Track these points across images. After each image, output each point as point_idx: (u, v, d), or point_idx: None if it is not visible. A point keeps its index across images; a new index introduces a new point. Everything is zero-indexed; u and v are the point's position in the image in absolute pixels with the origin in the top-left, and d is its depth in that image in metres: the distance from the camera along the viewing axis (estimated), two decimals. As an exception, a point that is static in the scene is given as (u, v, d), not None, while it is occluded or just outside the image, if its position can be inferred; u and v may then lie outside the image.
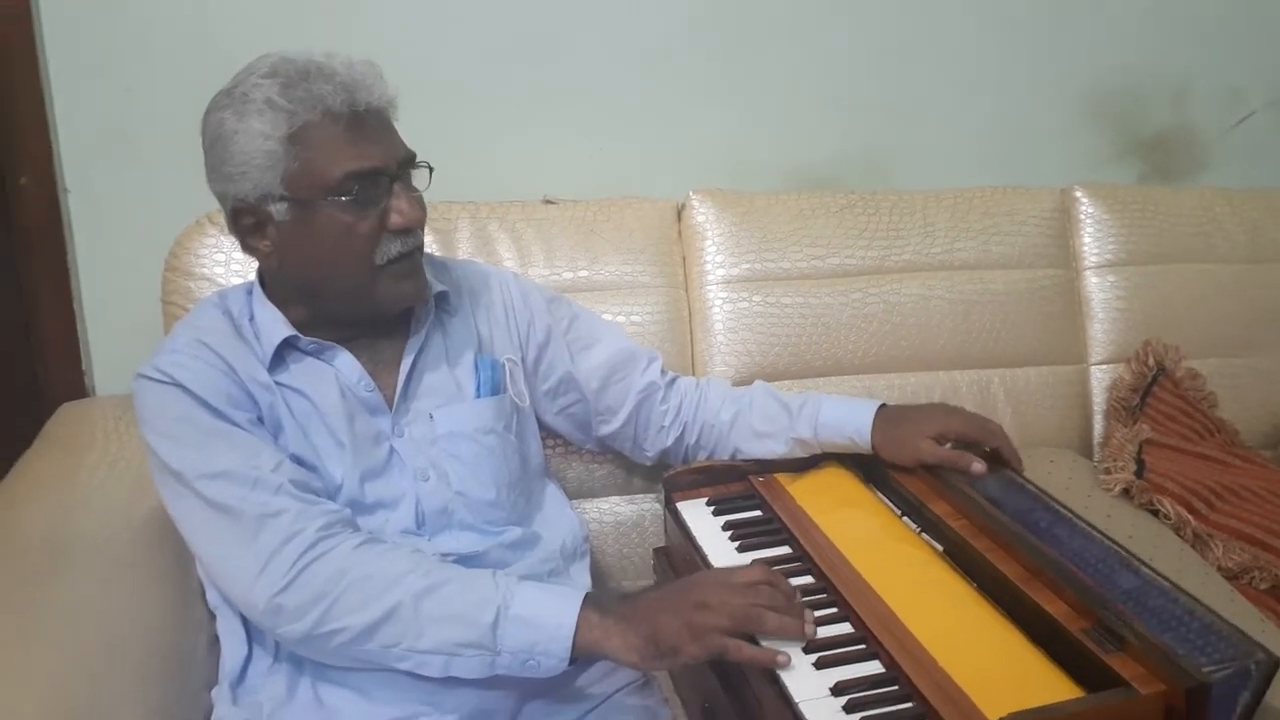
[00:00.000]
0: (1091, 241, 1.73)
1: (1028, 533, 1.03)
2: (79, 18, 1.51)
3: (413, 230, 1.09)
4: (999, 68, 1.84)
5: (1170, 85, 1.92)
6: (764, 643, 0.95)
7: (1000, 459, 1.20)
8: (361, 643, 0.98)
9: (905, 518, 1.16)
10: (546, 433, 1.35)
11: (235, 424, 1.05)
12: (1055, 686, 0.86)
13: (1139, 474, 1.48)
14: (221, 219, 1.13)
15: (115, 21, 1.52)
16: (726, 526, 1.21)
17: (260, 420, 1.08)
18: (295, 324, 1.11)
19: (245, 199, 1.05)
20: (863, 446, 1.23)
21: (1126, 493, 1.46)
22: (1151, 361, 1.66)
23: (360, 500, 1.10)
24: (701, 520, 1.23)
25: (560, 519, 1.26)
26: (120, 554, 1.20)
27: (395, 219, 1.06)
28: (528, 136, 1.68)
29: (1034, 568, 0.98)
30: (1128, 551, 0.98)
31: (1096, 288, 1.72)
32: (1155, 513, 1.44)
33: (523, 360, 1.27)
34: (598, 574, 1.39)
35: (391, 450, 1.13)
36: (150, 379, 1.07)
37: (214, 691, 1.12)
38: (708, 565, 1.14)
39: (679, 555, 1.26)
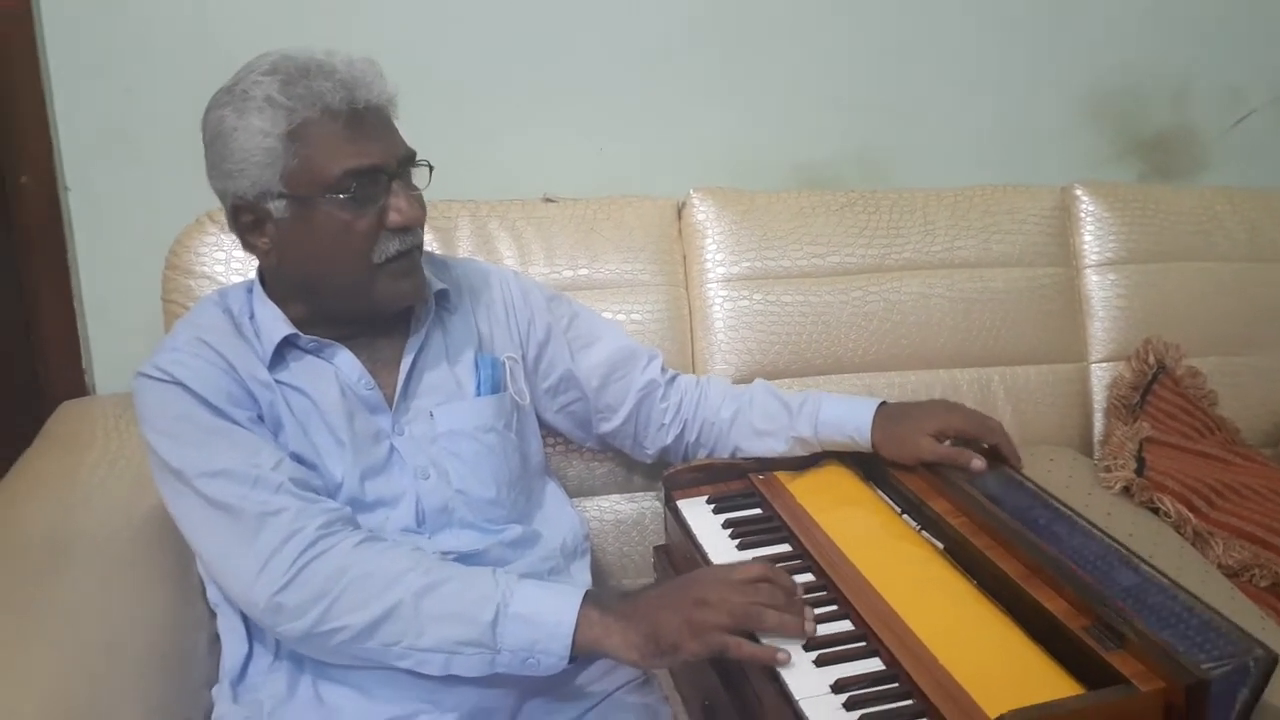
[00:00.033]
0: (1092, 240, 1.73)
1: (1027, 530, 1.03)
2: (79, 17, 1.51)
3: (411, 229, 1.09)
4: (999, 68, 1.84)
5: (1170, 85, 1.92)
6: (764, 640, 0.95)
7: (999, 456, 1.20)
8: (362, 641, 0.98)
9: (905, 515, 1.16)
10: (547, 431, 1.35)
11: (235, 422, 1.05)
12: (1055, 684, 0.86)
13: (1139, 472, 1.48)
14: (222, 217, 1.13)
15: (115, 21, 1.52)
16: (727, 524, 1.21)
17: (260, 418, 1.08)
18: (295, 322, 1.11)
19: (244, 196, 1.05)
20: (863, 445, 1.23)
21: (1127, 491, 1.46)
22: (1152, 359, 1.66)
23: (360, 498, 1.10)
24: (702, 518, 1.23)
25: (560, 517, 1.26)
26: (120, 552, 1.20)
27: (394, 217, 1.06)
28: (528, 136, 1.68)
29: (1034, 565, 0.98)
30: (1126, 549, 0.98)
31: (1097, 286, 1.72)
32: (1155, 511, 1.44)
33: (523, 358, 1.27)
34: (598, 572, 1.39)
35: (392, 448, 1.13)
36: (150, 377, 1.07)
37: (215, 689, 1.12)
38: (708, 563, 1.14)
39: (679, 553, 1.26)
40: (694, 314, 1.58)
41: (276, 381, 1.10)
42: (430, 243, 1.48)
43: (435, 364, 1.18)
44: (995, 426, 1.21)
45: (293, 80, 1.02)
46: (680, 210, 1.62)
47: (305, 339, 1.11)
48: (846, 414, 1.24)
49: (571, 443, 1.44)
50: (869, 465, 1.26)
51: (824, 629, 0.98)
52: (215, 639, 1.15)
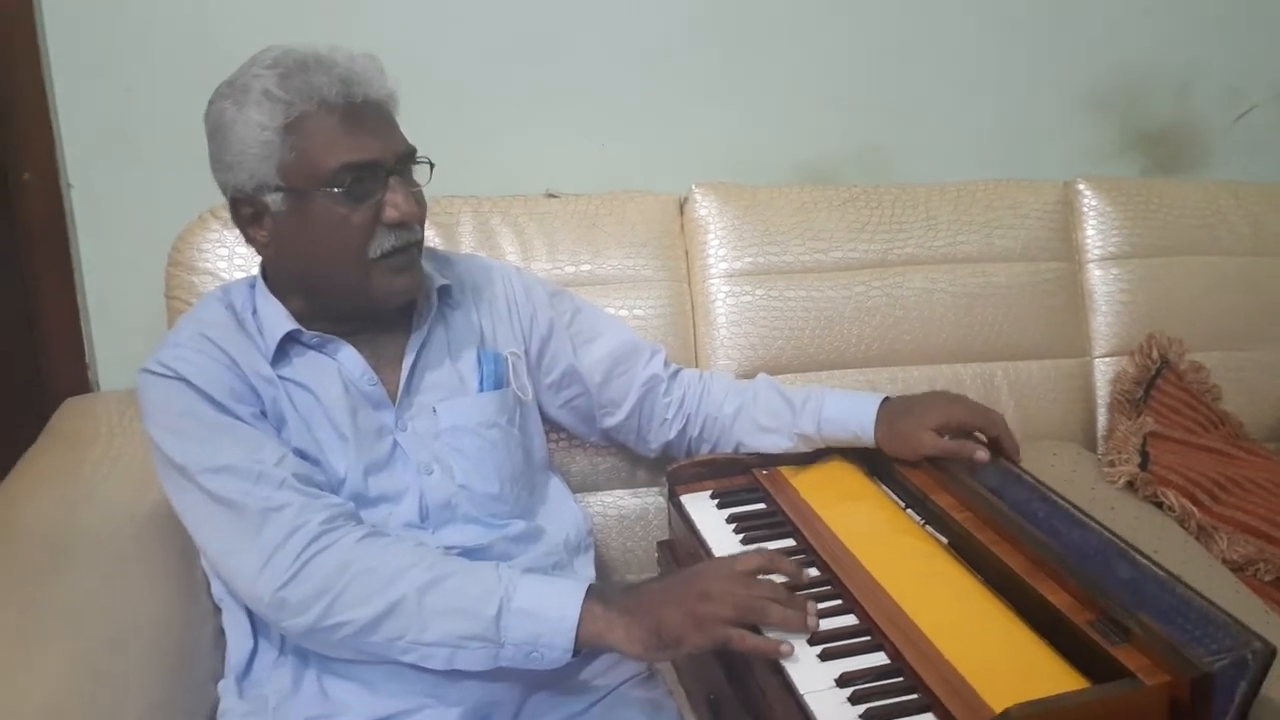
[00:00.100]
0: (1095, 234, 1.73)
1: (1028, 524, 1.03)
2: (79, 17, 1.51)
3: (409, 225, 1.08)
4: (1001, 65, 1.83)
5: (1173, 79, 1.91)
6: (767, 634, 0.95)
7: (999, 449, 1.20)
8: (366, 636, 0.98)
9: (909, 510, 1.16)
10: (550, 426, 1.36)
11: (238, 418, 1.05)
12: (1060, 678, 0.86)
13: (1143, 467, 1.48)
14: (225, 214, 1.13)
15: (115, 21, 1.52)
16: (730, 519, 1.21)
17: (263, 414, 1.08)
18: (296, 316, 1.11)
19: (243, 189, 1.05)
20: (866, 442, 1.23)
21: (1131, 485, 1.46)
22: (1155, 354, 1.66)
23: (364, 494, 1.10)
24: (705, 513, 1.23)
25: (564, 512, 1.26)
26: (124, 548, 1.21)
27: (390, 213, 1.06)
28: (528, 136, 1.68)
29: (1038, 559, 0.98)
30: (1125, 542, 0.98)
31: (1100, 281, 1.72)
32: (1159, 505, 1.43)
33: (526, 354, 1.27)
34: (601, 567, 1.39)
35: (395, 444, 1.13)
36: (154, 373, 1.07)
37: (220, 685, 1.12)
38: (711, 558, 1.14)
39: (683, 548, 1.26)
40: (696, 309, 1.58)
41: (279, 377, 1.10)
42: (432, 238, 1.48)
43: (438, 360, 1.18)
44: (997, 418, 1.21)
45: (291, 74, 1.02)
46: (683, 205, 1.62)
47: (308, 335, 1.11)
48: (850, 411, 1.24)
49: (575, 438, 1.44)
50: (873, 460, 1.25)
51: (828, 623, 0.98)
52: (220, 634, 1.15)
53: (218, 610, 1.15)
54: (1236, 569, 1.35)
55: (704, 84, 1.73)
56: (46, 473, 1.34)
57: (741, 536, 1.18)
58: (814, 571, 1.08)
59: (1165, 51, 1.89)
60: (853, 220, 1.63)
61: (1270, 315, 1.76)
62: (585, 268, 1.53)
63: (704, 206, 1.60)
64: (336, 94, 1.03)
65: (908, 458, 1.20)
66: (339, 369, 1.12)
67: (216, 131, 1.05)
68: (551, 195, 1.60)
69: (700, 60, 1.72)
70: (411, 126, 1.11)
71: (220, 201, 1.10)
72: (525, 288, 1.30)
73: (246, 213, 1.08)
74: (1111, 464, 1.50)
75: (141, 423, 1.08)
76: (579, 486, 1.46)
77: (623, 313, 1.51)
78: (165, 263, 1.44)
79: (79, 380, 1.63)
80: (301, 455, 1.07)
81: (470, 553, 1.10)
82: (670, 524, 1.32)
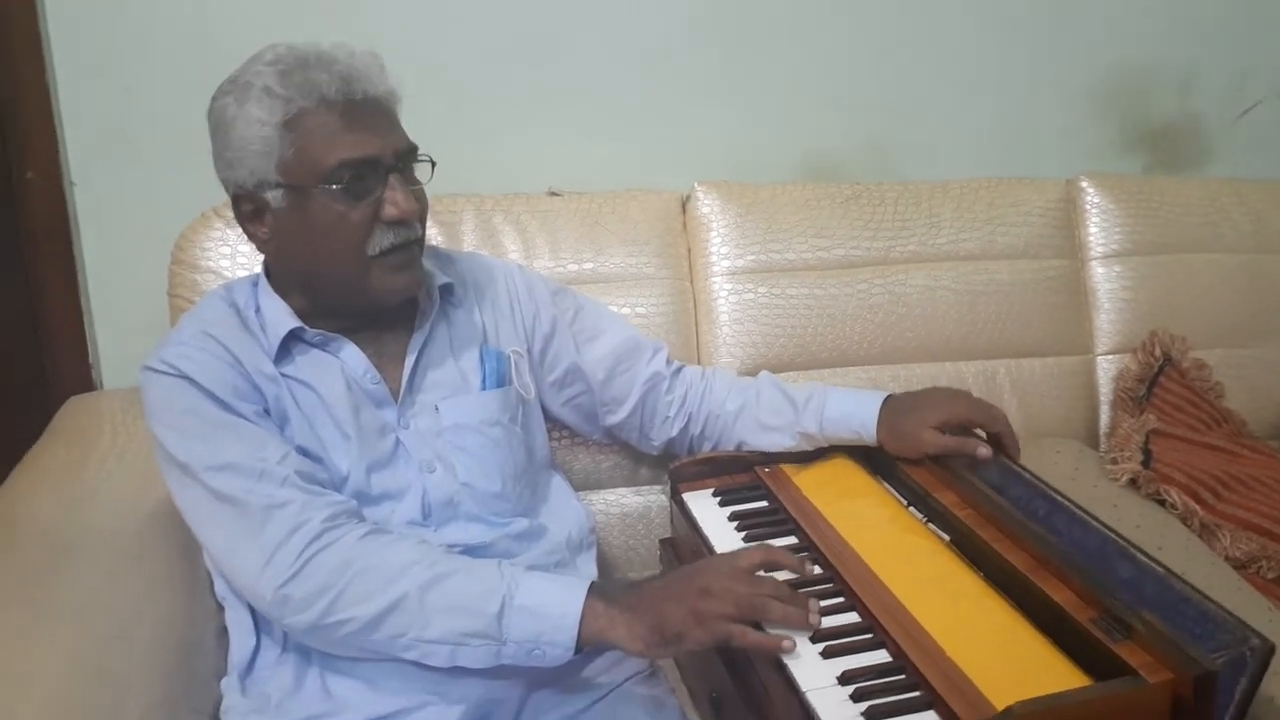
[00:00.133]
0: (1097, 232, 1.73)
1: (1030, 522, 1.03)
2: (81, 18, 1.51)
3: (408, 222, 1.08)
4: (1002, 64, 1.83)
5: (1176, 76, 1.91)
6: (769, 630, 0.95)
7: (999, 445, 1.20)
8: (368, 633, 0.99)
9: (911, 508, 1.16)
10: (553, 423, 1.36)
11: (241, 416, 1.05)
12: (1063, 675, 0.86)
13: (1146, 464, 1.48)
14: (227, 212, 1.13)
15: (117, 21, 1.52)
16: (733, 517, 1.21)
17: (266, 412, 1.08)
18: (298, 313, 1.11)
19: (244, 185, 1.06)
20: (869, 441, 1.23)
21: (1133, 483, 1.46)
22: (1158, 352, 1.66)
23: (366, 492, 1.10)
24: (707, 511, 1.23)
25: (566, 510, 1.26)
26: (128, 546, 1.21)
27: (389, 210, 1.06)
28: (529, 136, 1.68)
29: (1040, 557, 0.98)
30: (1124, 539, 0.97)
31: (1102, 278, 1.72)
32: (1162, 503, 1.43)
33: (528, 352, 1.27)
34: (604, 565, 1.39)
35: (397, 442, 1.13)
36: (156, 371, 1.07)
37: (223, 682, 1.12)
38: (713, 555, 1.14)
39: (685, 546, 1.26)
40: (699, 307, 1.58)
41: (282, 375, 1.10)
42: (435, 237, 1.48)
43: (440, 358, 1.18)
44: (999, 415, 1.21)
45: (291, 71, 1.03)
46: (685, 203, 1.62)
47: (311, 333, 1.11)
48: (852, 410, 1.24)
49: (577, 435, 1.44)
50: (875, 457, 1.25)
51: (830, 621, 0.98)
52: (223, 632, 1.15)
53: (220, 608, 1.15)
54: (1239, 566, 1.35)
55: (704, 84, 1.73)
56: (50, 471, 1.34)
57: (744, 534, 1.18)
58: (816, 569, 1.08)
59: (1166, 49, 1.89)
60: (855, 218, 1.63)
61: (1273, 312, 1.75)
62: (588, 266, 1.53)
63: (706, 204, 1.60)
64: (336, 91, 1.03)
65: (910, 456, 1.20)
66: (342, 367, 1.12)
67: (218, 128, 1.05)
68: (554, 193, 1.60)
69: (701, 60, 1.71)
70: (413, 126, 1.11)
71: (223, 200, 1.11)
72: (528, 286, 1.30)
73: (247, 209, 1.08)
74: (1114, 461, 1.50)
75: (144, 421, 1.08)
76: (581, 484, 1.46)
77: (625, 311, 1.51)
78: (168, 261, 1.44)
79: (82, 378, 1.63)
80: (304, 453, 1.08)
81: (472, 550, 1.10)
82: (672, 522, 1.32)
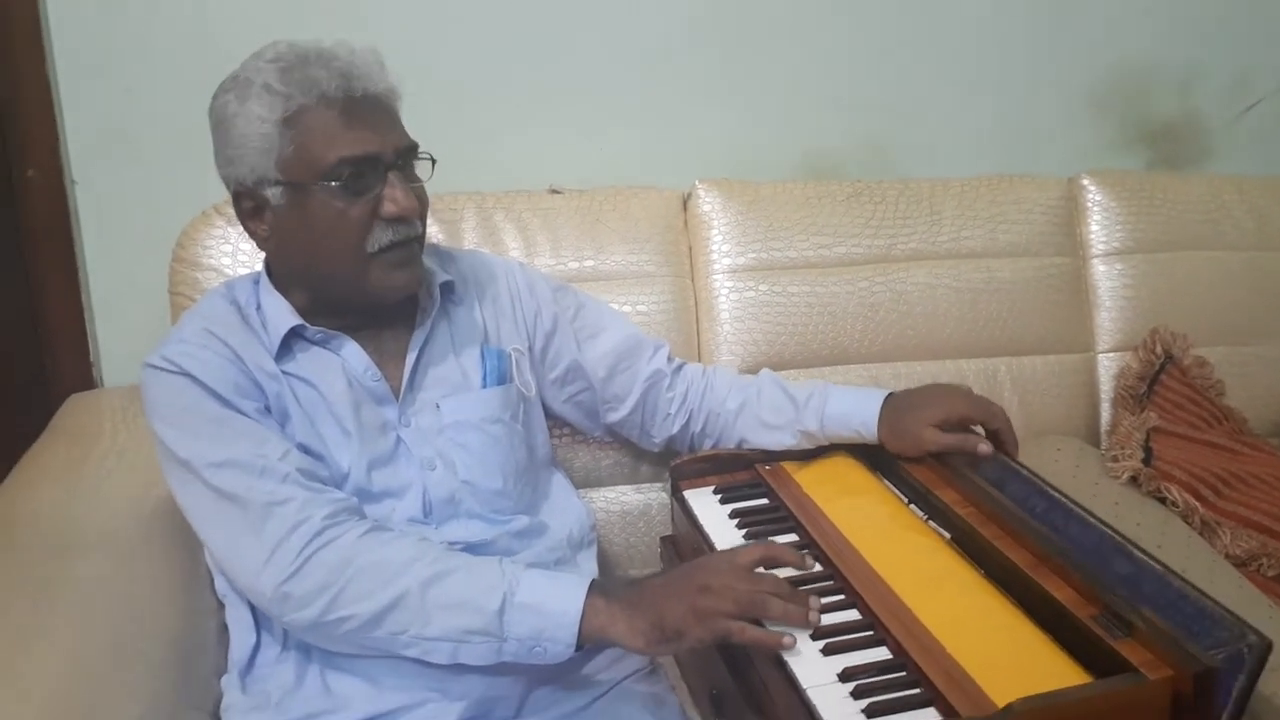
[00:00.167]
0: (1099, 229, 1.73)
1: (1030, 519, 1.03)
2: (82, 17, 1.51)
3: (408, 220, 1.08)
4: (1002, 64, 1.83)
5: (1177, 73, 1.91)
6: (769, 628, 0.95)
7: (998, 442, 1.20)
8: (369, 630, 0.99)
9: (912, 505, 1.16)
10: (554, 421, 1.36)
11: (243, 413, 1.05)
12: (1063, 672, 0.86)
13: (1146, 462, 1.48)
14: (228, 210, 1.13)
15: (118, 20, 1.52)
16: (733, 514, 1.21)
17: (267, 409, 1.08)
18: (299, 311, 1.11)
19: (244, 182, 1.06)
20: (869, 439, 1.23)
21: (1134, 480, 1.46)
22: (1159, 349, 1.66)
23: (367, 489, 1.10)
24: (708, 508, 1.23)
25: (567, 508, 1.26)
26: (129, 543, 1.21)
27: (388, 207, 1.06)
28: (530, 135, 1.68)
29: (1041, 554, 0.98)
30: (1121, 536, 0.97)
31: (1104, 276, 1.72)
32: (1163, 500, 1.43)
33: (530, 349, 1.27)
34: (605, 563, 1.39)
35: (398, 439, 1.13)
36: (158, 368, 1.07)
37: (223, 679, 1.12)
38: (713, 552, 1.14)
39: (686, 543, 1.26)
40: (700, 305, 1.58)
41: (283, 372, 1.10)
42: (436, 234, 1.48)
43: (441, 356, 1.18)
44: (998, 412, 1.21)
45: (291, 68, 1.03)
46: (686, 201, 1.62)
47: (312, 330, 1.12)
48: (853, 409, 1.24)
49: (578, 433, 1.44)
50: (876, 455, 1.25)
51: (831, 618, 0.98)
52: (223, 629, 1.15)
53: (221, 605, 1.15)
54: (1240, 564, 1.35)
55: (705, 82, 1.73)
56: (50, 469, 1.34)
57: (744, 531, 1.18)
58: (817, 566, 1.08)
59: (1167, 48, 1.89)
60: (856, 216, 1.63)
61: (1274, 310, 1.75)
62: (589, 264, 1.53)
63: (707, 202, 1.60)
64: (336, 88, 1.03)
65: (911, 454, 1.20)
66: (343, 364, 1.12)
67: (219, 125, 1.06)
68: (555, 191, 1.60)
69: (701, 58, 1.71)
70: (414, 124, 1.11)
71: (223, 198, 1.11)
72: (529, 283, 1.30)
73: (248, 206, 1.08)
74: (1115, 459, 1.50)
75: (145, 418, 1.08)
76: (582, 482, 1.46)
77: (626, 309, 1.51)
78: (169, 259, 1.44)
79: (83, 376, 1.63)
80: (305, 450, 1.08)
81: (473, 548, 1.10)
82: (673, 519, 1.32)
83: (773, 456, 1.30)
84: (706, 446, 1.35)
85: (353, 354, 1.13)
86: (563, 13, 1.65)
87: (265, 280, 1.14)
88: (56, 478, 1.31)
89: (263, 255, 1.16)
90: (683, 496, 1.26)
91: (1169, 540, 1.32)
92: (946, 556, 1.06)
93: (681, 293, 1.56)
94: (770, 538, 1.15)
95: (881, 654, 0.94)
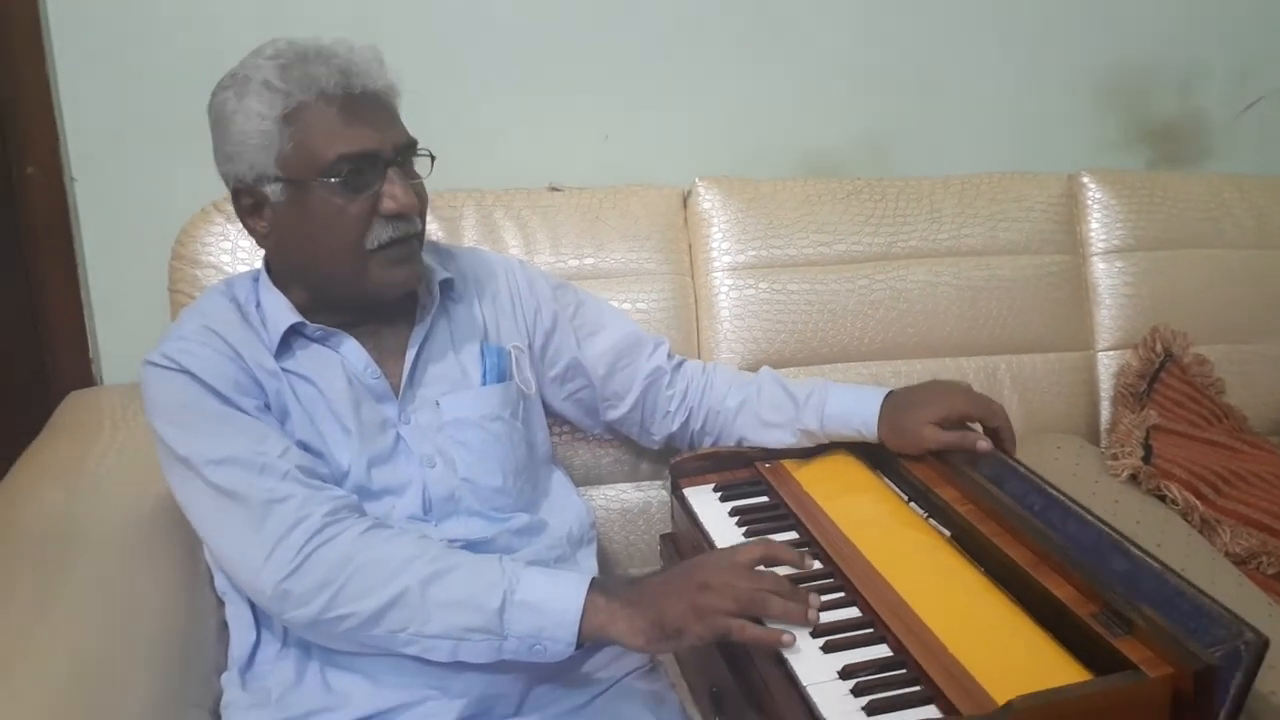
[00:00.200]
0: (1099, 227, 1.73)
1: (1030, 517, 1.03)
2: (82, 14, 1.51)
3: (407, 216, 1.08)
4: (1004, 61, 1.83)
5: (1178, 72, 1.91)
6: (769, 626, 0.95)
7: (996, 440, 1.19)
8: (369, 628, 0.99)
9: (912, 503, 1.16)
10: (554, 418, 1.36)
11: (242, 410, 1.05)
12: (1063, 670, 0.86)
13: (1146, 460, 1.48)
14: (227, 207, 1.13)
15: (115, 17, 1.52)
16: (733, 512, 1.21)
17: (267, 407, 1.08)
18: (298, 308, 1.11)
19: (243, 179, 1.06)
20: (869, 438, 1.23)
21: (1134, 478, 1.46)
22: (1159, 348, 1.66)
23: (367, 486, 1.10)
24: (708, 506, 1.23)
25: (567, 505, 1.26)
26: (128, 541, 1.21)
27: (388, 204, 1.06)
28: (528, 133, 1.68)
29: (1041, 552, 0.98)
30: (1118, 533, 0.97)
31: (1104, 274, 1.72)
32: (1163, 498, 1.43)
33: (530, 347, 1.27)
34: (604, 560, 1.39)
35: (398, 437, 1.13)
36: (158, 366, 1.07)
37: (223, 677, 1.12)
38: (713, 550, 1.14)
39: (686, 541, 1.26)
40: (700, 303, 1.58)
41: (283, 370, 1.10)
42: (435, 232, 1.48)
43: (441, 353, 1.18)
44: (998, 409, 1.21)
45: (291, 65, 1.03)
46: (686, 199, 1.62)
47: (311, 328, 1.11)
48: (853, 407, 1.24)
49: (578, 431, 1.44)
50: (876, 453, 1.25)
51: (831, 615, 0.98)
52: (223, 626, 1.15)
53: (221, 603, 1.15)
54: (1239, 562, 1.35)
55: (704, 80, 1.73)
56: (50, 466, 1.34)
57: (744, 529, 1.18)
58: (817, 564, 1.08)
59: (1167, 47, 1.89)
60: (856, 213, 1.63)
61: (1274, 309, 1.75)
62: (588, 261, 1.53)
63: (707, 200, 1.59)
64: (335, 85, 1.03)
65: (911, 452, 1.20)
66: (342, 362, 1.12)
67: (218, 122, 1.06)
68: (555, 189, 1.59)
69: (700, 57, 1.71)
70: (413, 122, 1.11)
71: (223, 195, 1.10)
72: (529, 281, 1.30)
73: (247, 203, 1.08)
74: (1115, 457, 1.50)
75: (145, 415, 1.08)
76: (582, 480, 1.46)
77: (626, 306, 1.50)
78: (168, 256, 1.44)
79: (82, 373, 1.63)
80: (305, 448, 1.08)
81: (473, 546, 1.10)
82: (673, 517, 1.32)
83: (772, 454, 1.30)
84: (706, 444, 1.35)
85: (352, 351, 1.13)
86: (563, 10, 1.65)
87: (265, 277, 1.14)
88: (56, 475, 1.31)
89: (262, 253, 1.16)
90: (682, 494, 1.26)
91: (1169, 538, 1.32)
92: (946, 554, 1.06)
93: (681, 290, 1.56)
94: (770, 535, 1.15)
95: (881, 651, 0.94)
